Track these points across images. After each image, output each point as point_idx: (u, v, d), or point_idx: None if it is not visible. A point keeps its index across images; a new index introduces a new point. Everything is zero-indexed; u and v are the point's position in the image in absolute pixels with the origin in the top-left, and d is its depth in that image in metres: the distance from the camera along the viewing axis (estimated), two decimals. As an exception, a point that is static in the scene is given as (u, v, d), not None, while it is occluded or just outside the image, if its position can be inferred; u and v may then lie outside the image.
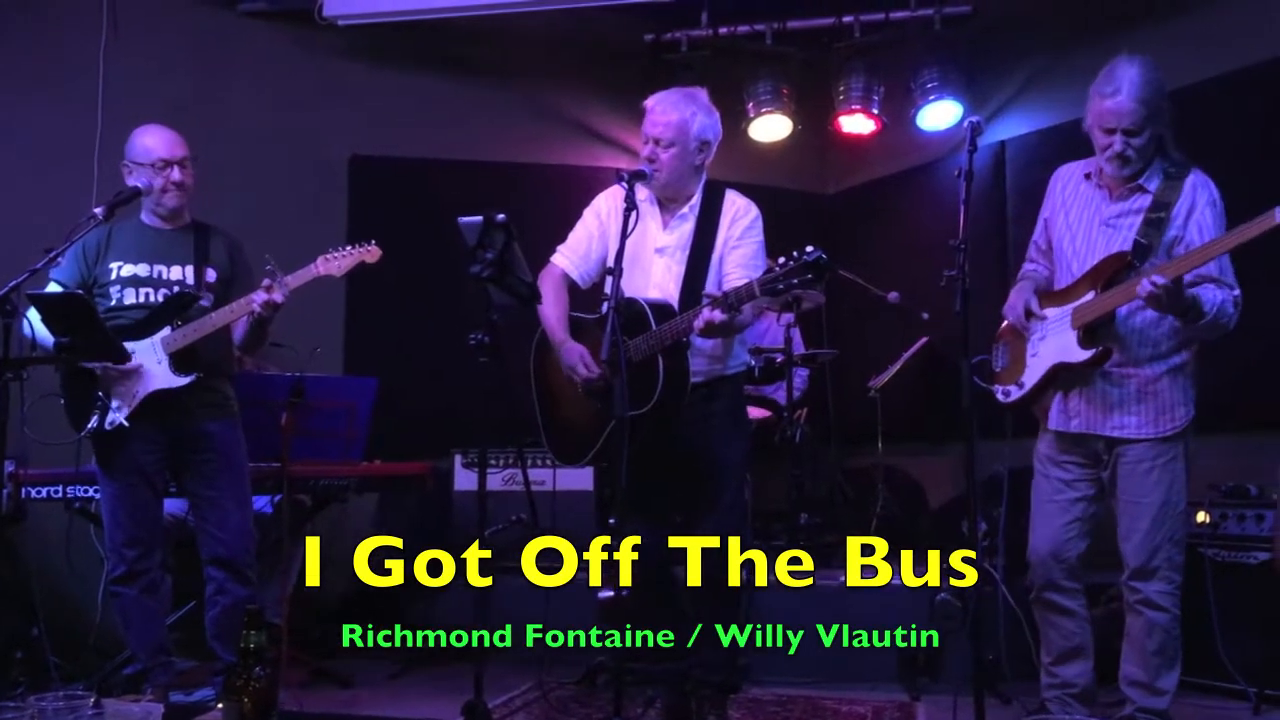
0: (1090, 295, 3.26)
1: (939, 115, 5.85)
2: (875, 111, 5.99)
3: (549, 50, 6.14)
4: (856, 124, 6.07)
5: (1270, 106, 4.78)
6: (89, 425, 3.71)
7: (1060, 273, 3.45)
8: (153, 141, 3.87)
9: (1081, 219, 3.39)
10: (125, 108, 5.11)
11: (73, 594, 4.46)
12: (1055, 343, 3.35)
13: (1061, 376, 3.35)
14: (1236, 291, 3.15)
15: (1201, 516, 4.08)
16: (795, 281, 3.15)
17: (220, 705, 2.29)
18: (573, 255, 3.75)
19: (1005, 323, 3.56)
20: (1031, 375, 3.41)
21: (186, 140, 3.97)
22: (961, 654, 3.91)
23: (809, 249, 3.12)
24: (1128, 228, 3.26)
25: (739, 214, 3.63)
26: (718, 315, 3.25)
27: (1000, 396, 3.51)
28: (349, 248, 3.94)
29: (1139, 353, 3.25)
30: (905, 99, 5.95)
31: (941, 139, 6.04)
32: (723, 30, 5.91)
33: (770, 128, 6.11)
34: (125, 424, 3.71)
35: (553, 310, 3.66)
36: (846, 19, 5.81)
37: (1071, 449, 3.39)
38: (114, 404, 3.72)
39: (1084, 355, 3.25)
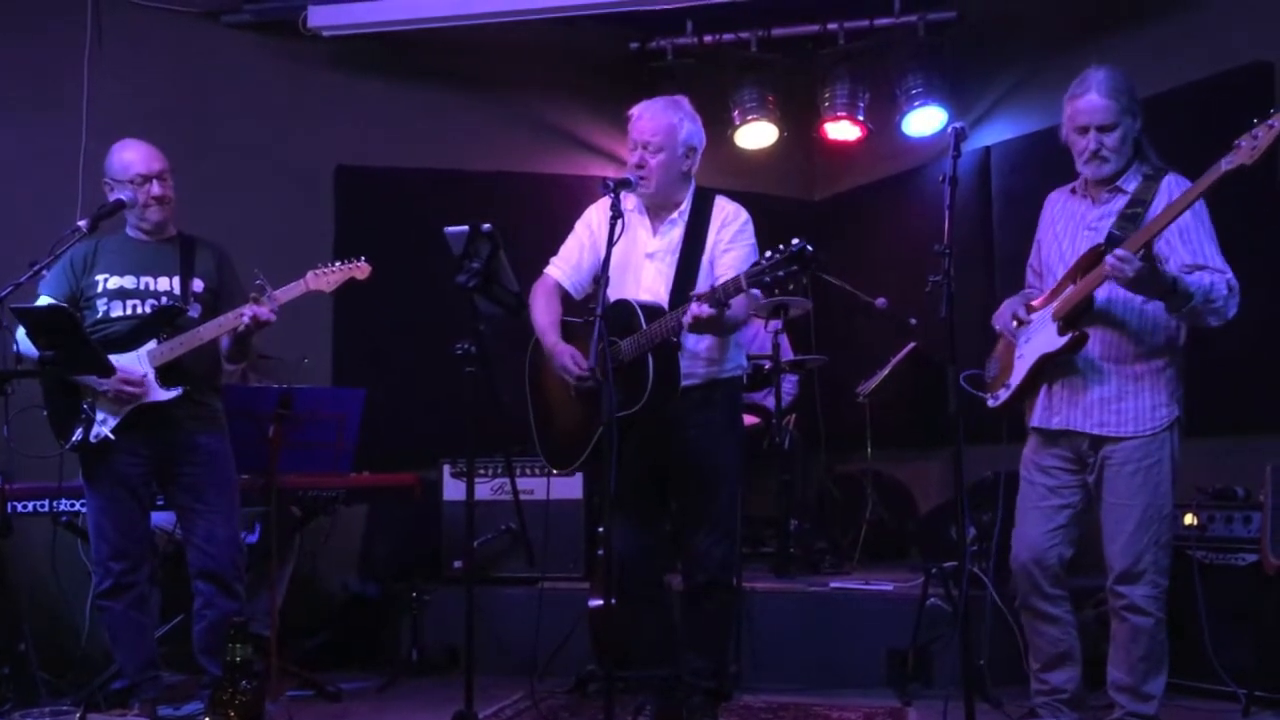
0: (1069, 290, 3.30)
1: (924, 121, 5.87)
2: (860, 118, 6.01)
3: (534, 60, 6.15)
4: (842, 130, 6.09)
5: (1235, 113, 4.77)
6: (74, 438, 3.70)
7: (1048, 282, 3.48)
8: (131, 156, 3.84)
9: (1068, 229, 3.44)
10: (109, 121, 5.09)
11: (60, 609, 4.44)
12: (1038, 339, 3.38)
13: (1046, 370, 3.37)
14: (1229, 274, 3.16)
15: (1189, 519, 4.09)
16: (782, 273, 3.15)
17: (207, 719, 2.28)
18: (565, 266, 3.77)
19: (999, 337, 3.58)
20: (1018, 374, 3.43)
21: (170, 153, 3.96)
22: (952, 658, 3.91)
23: (794, 240, 3.14)
24: (1108, 228, 3.28)
25: (729, 219, 3.65)
26: (705, 309, 3.25)
27: (990, 402, 3.54)
28: (339, 264, 3.95)
29: (1123, 348, 3.27)
30: (890, 105, 5.97)
31: (927, 145, 6.05)
32: (708, 38, 5.92)
33: (756, 135, 6.12)
34: (111, 437, 3.70)
35: (544, 317, 3.68)
36: (831, 26, 5.82)
37: (1053, 447, 3.39)
38: (100, 416, 3.71)
39: (1061, 341, 3.27)
